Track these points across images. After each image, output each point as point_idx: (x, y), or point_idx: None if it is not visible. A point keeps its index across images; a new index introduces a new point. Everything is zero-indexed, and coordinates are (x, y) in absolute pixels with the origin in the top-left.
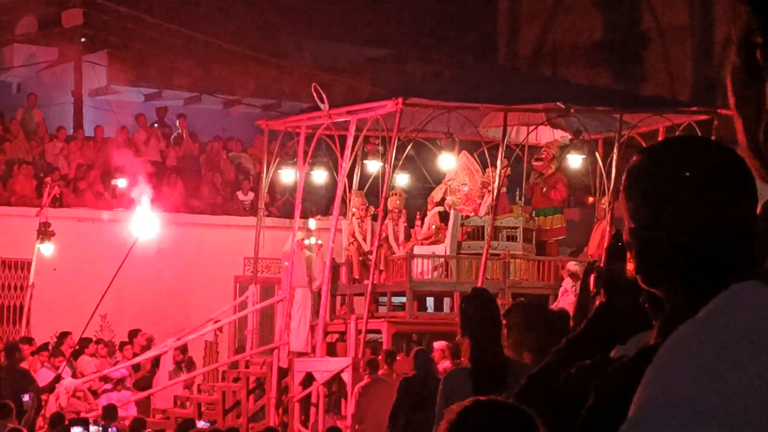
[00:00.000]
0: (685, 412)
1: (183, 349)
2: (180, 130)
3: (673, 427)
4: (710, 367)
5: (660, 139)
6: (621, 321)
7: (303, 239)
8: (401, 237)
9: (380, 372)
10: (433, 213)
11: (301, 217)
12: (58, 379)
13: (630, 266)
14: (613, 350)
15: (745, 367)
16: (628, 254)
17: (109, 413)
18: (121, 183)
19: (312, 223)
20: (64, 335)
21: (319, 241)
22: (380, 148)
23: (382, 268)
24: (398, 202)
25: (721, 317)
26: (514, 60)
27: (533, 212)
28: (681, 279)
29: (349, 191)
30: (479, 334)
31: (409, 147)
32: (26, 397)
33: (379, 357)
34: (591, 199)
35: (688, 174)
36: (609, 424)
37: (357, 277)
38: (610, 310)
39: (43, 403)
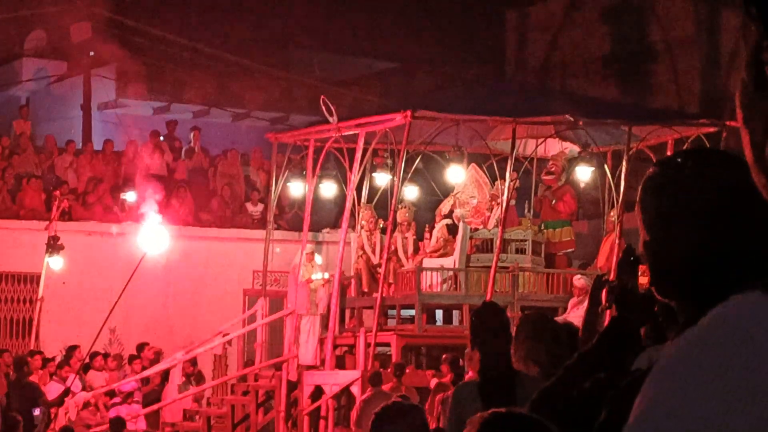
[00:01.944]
0: (682, 422)
1: (192, 362)
2: (192, 143)
3: None
4: (708, 376)
5: (669, 151)
6: (633, 335)
7: (309, 277)
8: (410, 250)
9: (389, 385)
10: (441, 226)
11: (309, 230)
12: (67, 392)
13: (642, 280)
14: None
15: (743, 376)
16: (640, 268)
17: (116, 426)
18: (130, 197)
19: (318, 258)
20: (72, 349)
21: (326, 275)
22: (389, 160)
23: (391, 281)
24: (407, 214)
25: (720, 327)
26: (522, 73)
27: (542, 225)
28: (695, 291)
29: (358, 204)
30: (489, 347)
31: (417, 160)
32: (37, 411)
33: (388, 370)
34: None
35: (701, 186)
36: None
37: (366, 290)
38: (622, 325)
39: (53, 416)
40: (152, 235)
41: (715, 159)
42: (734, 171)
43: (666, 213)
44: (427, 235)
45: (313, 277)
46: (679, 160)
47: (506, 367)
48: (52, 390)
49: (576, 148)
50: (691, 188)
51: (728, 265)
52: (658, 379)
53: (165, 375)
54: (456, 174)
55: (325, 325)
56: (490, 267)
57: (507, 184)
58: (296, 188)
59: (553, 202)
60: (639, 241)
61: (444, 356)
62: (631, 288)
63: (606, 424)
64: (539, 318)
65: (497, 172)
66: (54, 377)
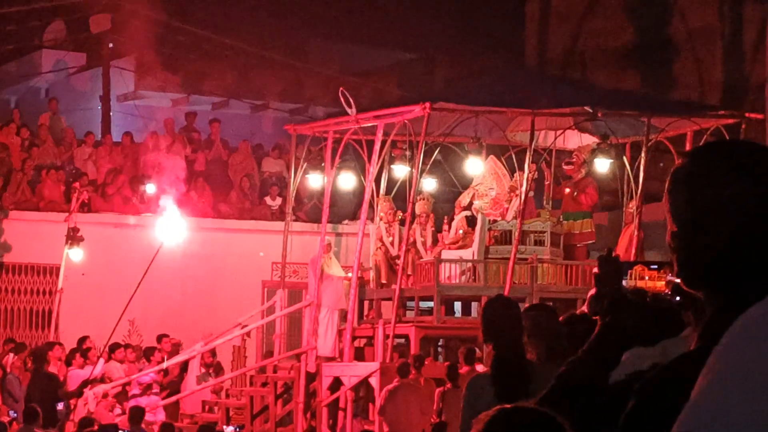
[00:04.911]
0: (748, 393)
1: (211, 353)
2: (211, 135)
3: (735, 408)
4: None
5: (688, 142)
6: (624, 339)
7: (347, 275)
8: (429, 241)
9: (409, 377)
10: (460, 217)
11: (328, 222)
12: (86, 383)
13: (632, 283)
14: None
15: None
16: (652, 273)
17: (135, 414)
18: (149, 188)
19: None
20: (83, 340)
21: (350, 274)
22: (408, 152)
23: (409, 272)
24: (426, 206)
25: None
26: (542, 63)
27: (561, 216)
28: (723, 282)
29: (377, 196)
30: (501, 340)
31: (436, 151)
32: (60, 406)
33: (408, 361)
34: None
35: (732, 176)
36: (650, 429)
37: (385, 281)
38: (615, 332)
39: (72, 407)
40: (170, 226)
41: (744, 149)
42: (764, 161)
43: (695, 203)
44: (445, 226)
45: (349, 274)
46: (708, 150)
47: (519, 359)
48: (71, 381)
49: (596, 140)
50: (721, 178)
51: (756, 255)
52: (726, 351)
53: (184, 366)
54: (475, 166)
55: (343, 317)
56: (508, 258)
57: (526, 175)
58: (315, 180)
59: (575, 193)
60: (657, 231)
61: (460, 349)
62: (622, 294)
63: (634, 415)
64: (538, 312)
65: (516, 164)
66: (73, 368)
